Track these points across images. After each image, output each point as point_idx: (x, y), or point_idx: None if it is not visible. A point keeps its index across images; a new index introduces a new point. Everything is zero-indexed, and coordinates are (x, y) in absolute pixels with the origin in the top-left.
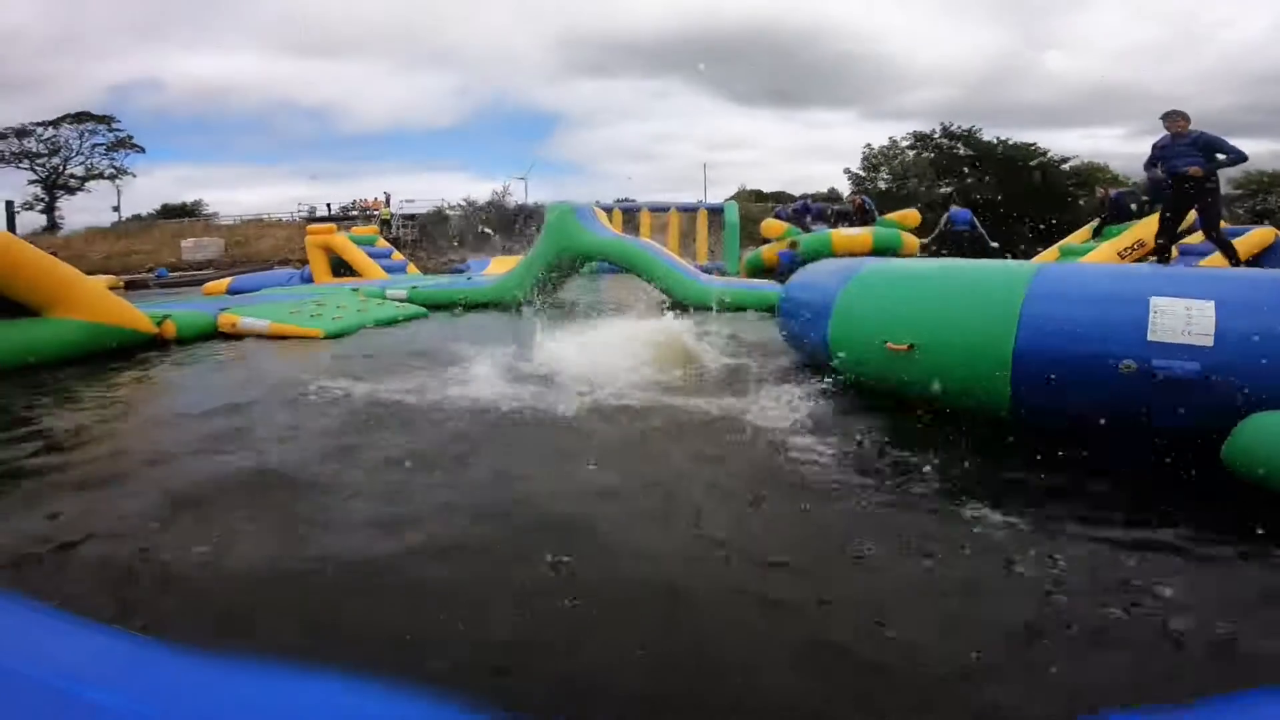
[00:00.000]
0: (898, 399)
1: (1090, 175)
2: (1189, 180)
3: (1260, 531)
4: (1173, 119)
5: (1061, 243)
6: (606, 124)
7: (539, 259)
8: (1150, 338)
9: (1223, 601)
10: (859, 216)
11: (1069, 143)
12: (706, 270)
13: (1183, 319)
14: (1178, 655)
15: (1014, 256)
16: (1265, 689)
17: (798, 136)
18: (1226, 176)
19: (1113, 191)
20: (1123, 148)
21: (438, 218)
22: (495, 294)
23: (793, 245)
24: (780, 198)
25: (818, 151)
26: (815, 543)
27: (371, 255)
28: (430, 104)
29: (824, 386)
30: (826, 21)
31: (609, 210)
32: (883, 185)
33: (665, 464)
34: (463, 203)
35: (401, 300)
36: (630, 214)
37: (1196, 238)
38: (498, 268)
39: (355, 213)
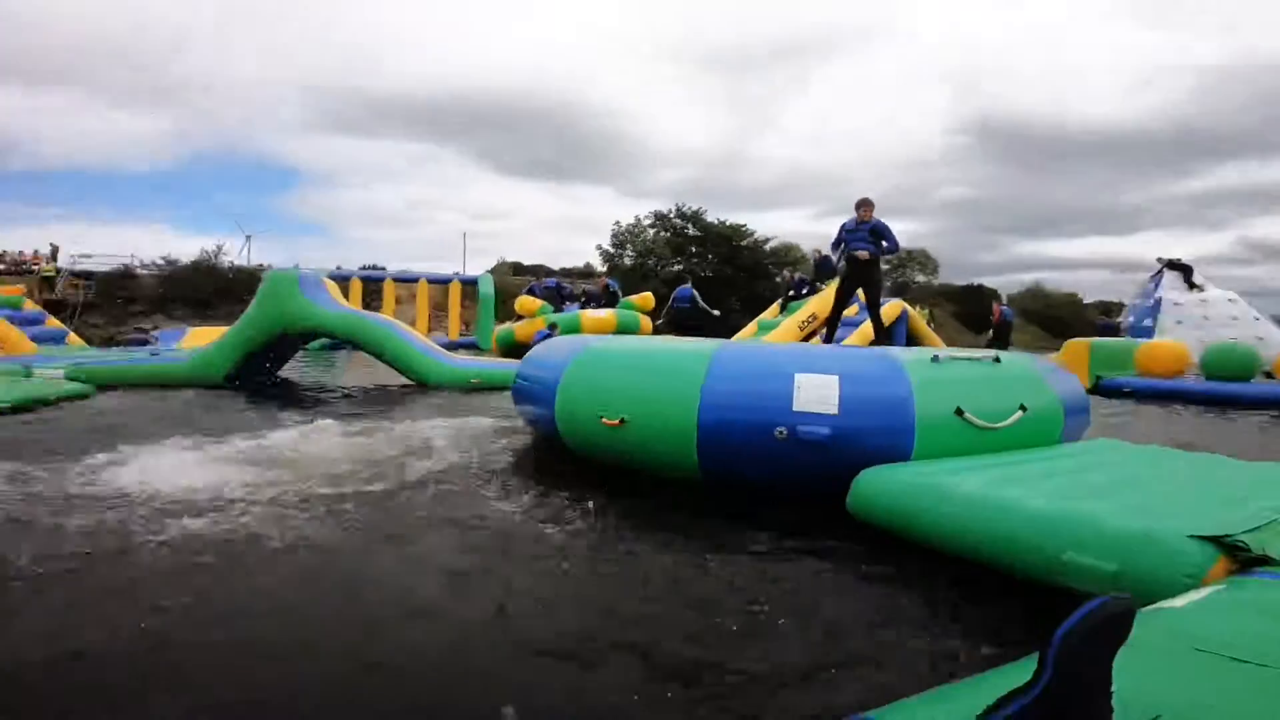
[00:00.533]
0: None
1: (784, 254)
2: (859, 262)
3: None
4: (863, 206)
5: (759, 317)
6: (358, 185)
7: (247, 332)
8: (795, 408)
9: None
10: (604, 298)
11: (773, 222)
12: (456, 347)
13: (817, 391)
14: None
15: (731, 326)
16: (997, 669)
17: (559, 210)
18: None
19: (796, 275)
20: (809, 227)
21: (123, 277)
22: (189, 371)
23: (551, 327)
24: (539, 271)
25: (578, 225)
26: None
27: (15, 321)
28: (135, 144)
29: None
30: (592, 99)
31: (344, 279)
32: (628, 261)
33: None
34: (160, 261)
35: (56, 378)
36: (373, 284)
37: (853, 310)
38: (196, 339)
39: (0, 267)
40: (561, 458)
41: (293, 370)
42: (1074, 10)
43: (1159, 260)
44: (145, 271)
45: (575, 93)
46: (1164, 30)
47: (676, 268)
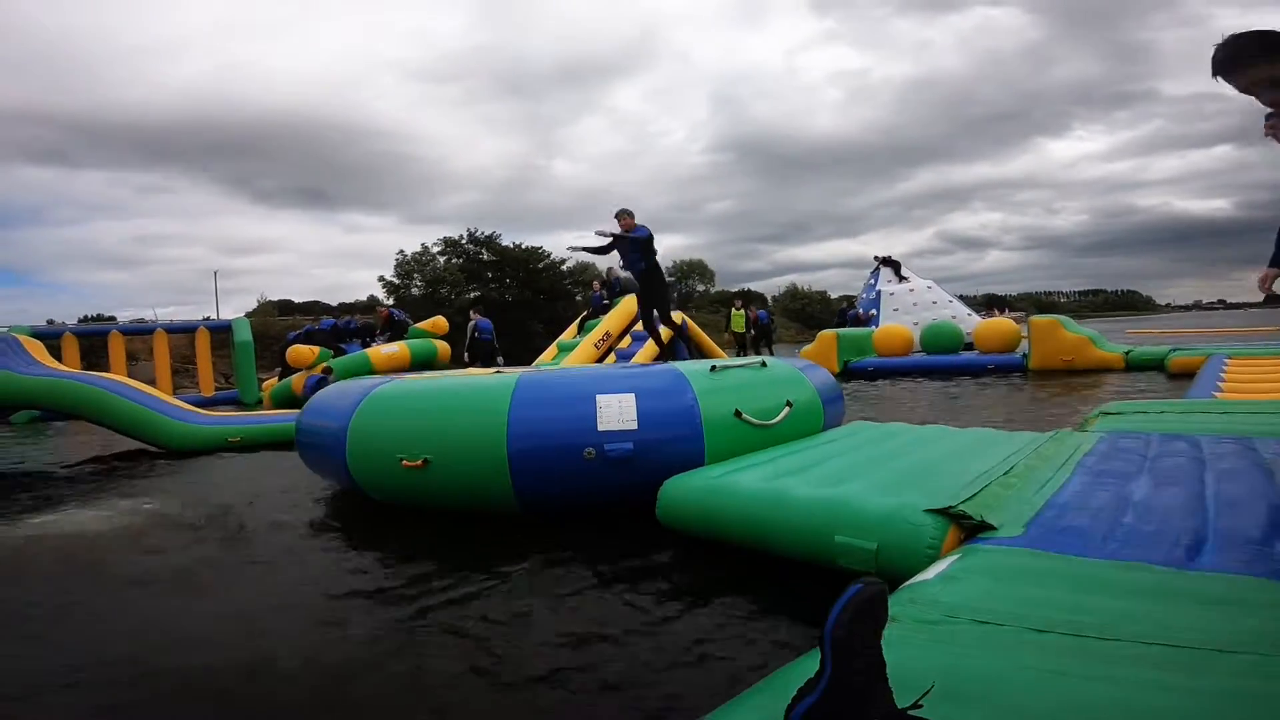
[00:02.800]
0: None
1: (581, 274)
2: (638, 277)
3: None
4: (622, 218)
5: (558, 339)
6: (66, 222)
7: None
8: (600, 427)
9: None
10: (388, 329)
11: (570, 242)
12: (213, 403)
13: (617, 410)
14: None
15: (535, 349)
16: (785, 668)
17: (333, 241)
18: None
19: (594, 292)
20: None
21: None
22: None
23: (326, 371)
24: (314, 309)
25: (355, 257)
26: None
27: None
28: None
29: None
30: (365, 120)
31: (54, 336)
32: (416, 292)
33: None
34: None
35: None
36: (94, 338)
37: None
38: None
39: None
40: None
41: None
42: (802, 33)
43: (875, 258)
44: None
45: (345, 114)
46: (871, 51)
47: (473, 294)
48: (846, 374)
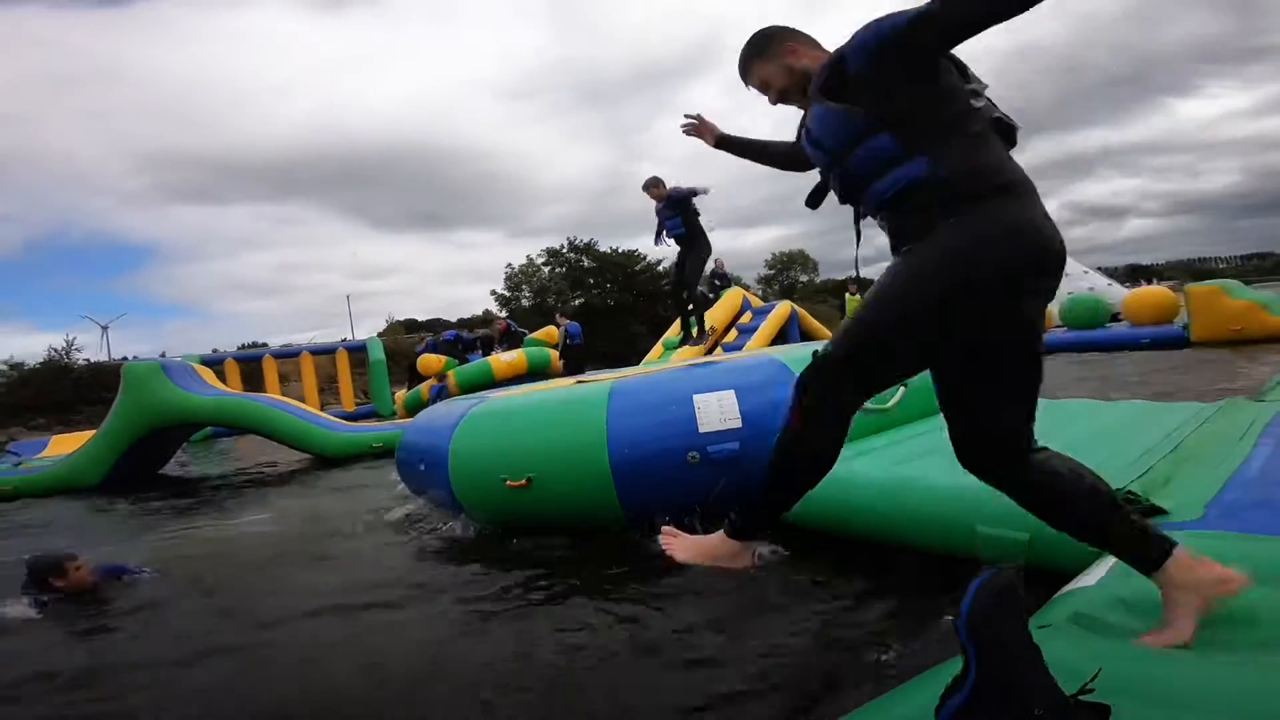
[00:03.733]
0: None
1: None
2: (681, 244)
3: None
4: (652, 187)
5: (663, 337)
6: (219, 255)
7: (115, 432)
8: (701, 429)
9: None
10: (506, 339)
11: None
12: (354, 417)
13: (717, 409)
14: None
15: (636, 352)
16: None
17: (448, 259)
18: (761, 259)
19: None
20: None
21: None
22: (57, 480)
23: (439, 379)
24: (436, 325)
25: (468, 273)
26: None
27: None
28: None
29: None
30: (461, 143)
31: (219, 363)
32: (525, 303)
33: None
34: (3, 366)
35: None
36: (250, 363)
37: (746, 318)
38: (60, 448)
39: None
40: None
41: (177, 467)
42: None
43: None
44: None
45: (443, 138)
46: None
47: (577, 301)
48: None
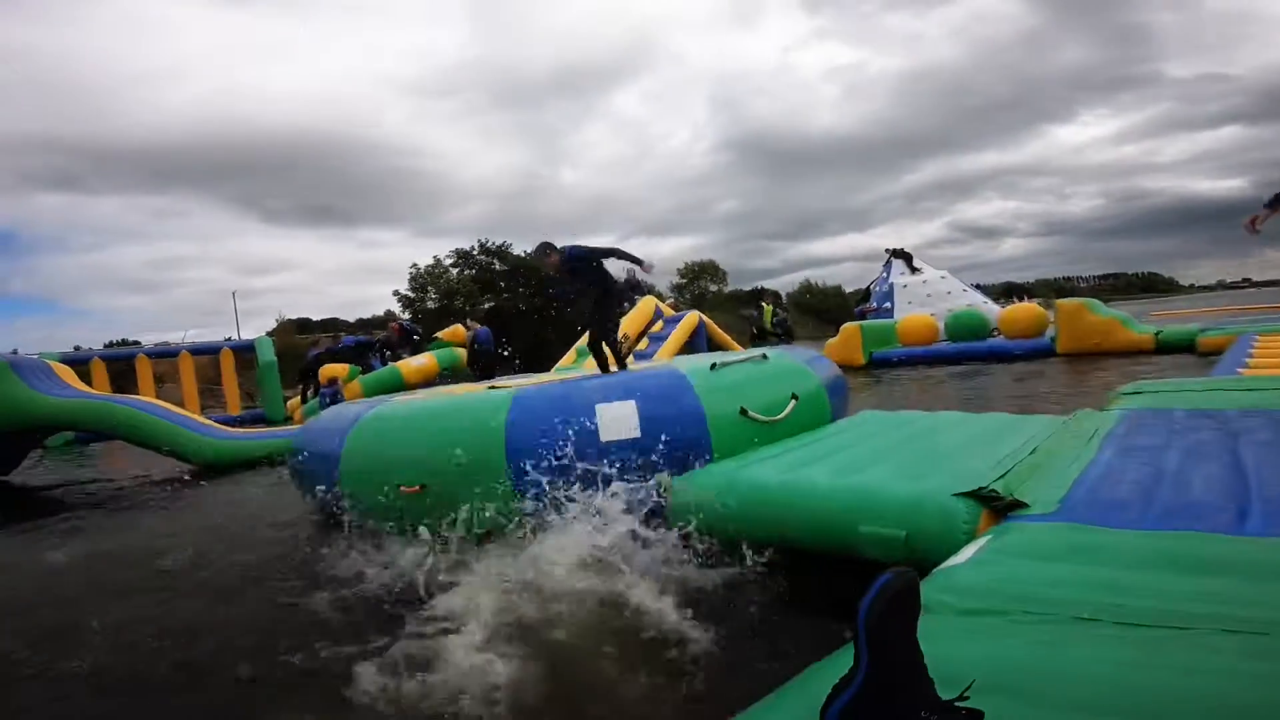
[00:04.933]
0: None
1: None
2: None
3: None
4: (544, 256)
5: (576, 345)
6: (86, 248)
7: None
8: (602, 438)
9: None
10: (402, 340)
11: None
12: (240, 422)
13: (618, 419)
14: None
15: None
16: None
17: (348, 257)
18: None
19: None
20: None
21: None
22: None
23: (331, 382)
24: (332, 326)
25: (371, 272)
26: None
27: None
28: None
29: None
30: (371, 137)
31: (84, 361)
32: (431, 305)
33: None
34: None
35: None
36: (121, 362)
37: (658, 327)
38: None
39: None
40: None
41: (27, 472)
42: (795, 31)
43: (886, 250)
44: None
45: (349, 132)
46: (864, 45)
47: (487, 305)
48: (872, 365)
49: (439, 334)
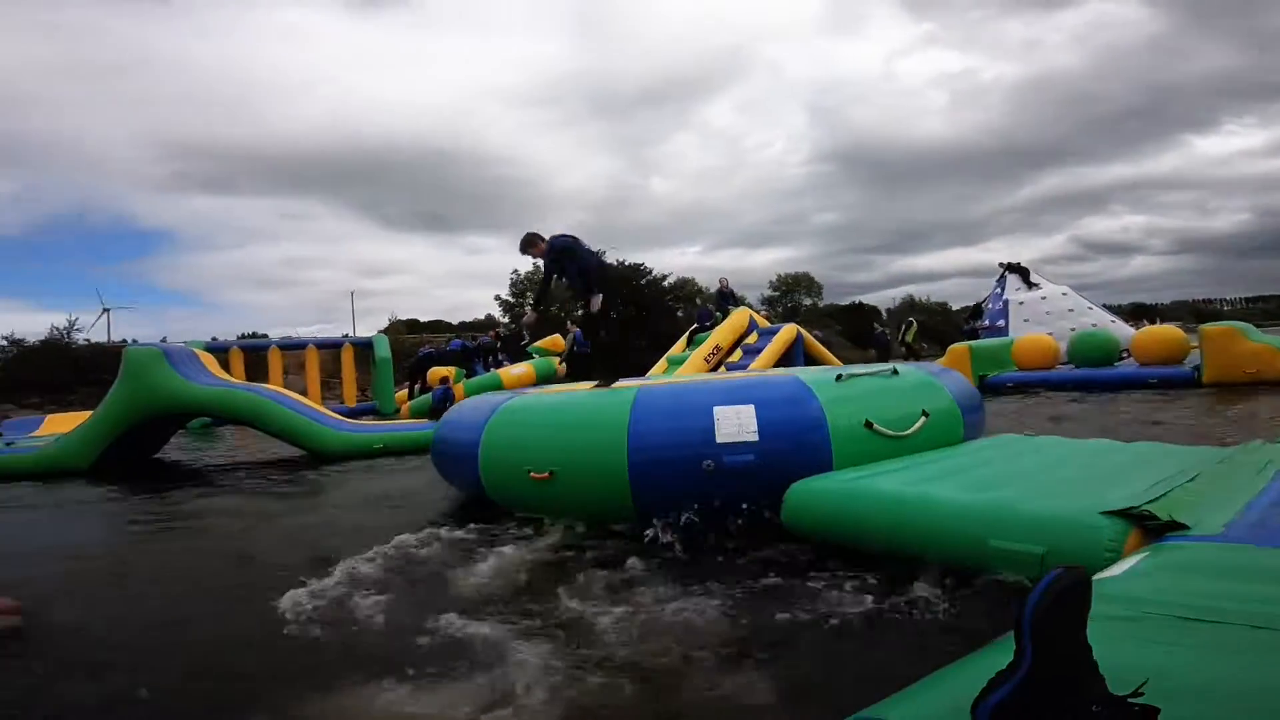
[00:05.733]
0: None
1: (682, 289)
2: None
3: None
4: (530, 246)
5: (668, 353)
6: (228, 246)
7: (112, 416)
8: (718, 440)
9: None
10: (503, 347)
11: (667, 258)
12: (355, 413)
13: (735, 421)
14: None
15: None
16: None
17: (454, 262)
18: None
19: (701, 306)
20: (702, 261)
21: None
22: (47, 461)
23: (443, 381)
24: (437, 327)
25: (473, 277)
26: None
27: None
28: None
29: None
30: (474, 147)
31: (223, 350)
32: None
33: None
34: (3, 342)
35: None
36: (255, 353)
37: (752, 338)
38: (54, 427)
39: None
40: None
41: (175, 450)
42: (900, 38)
43: (1000, 264)
44: None
45: (459, 141)
46: (975, 53)
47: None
48: (982, 389)
49: (538, 343)
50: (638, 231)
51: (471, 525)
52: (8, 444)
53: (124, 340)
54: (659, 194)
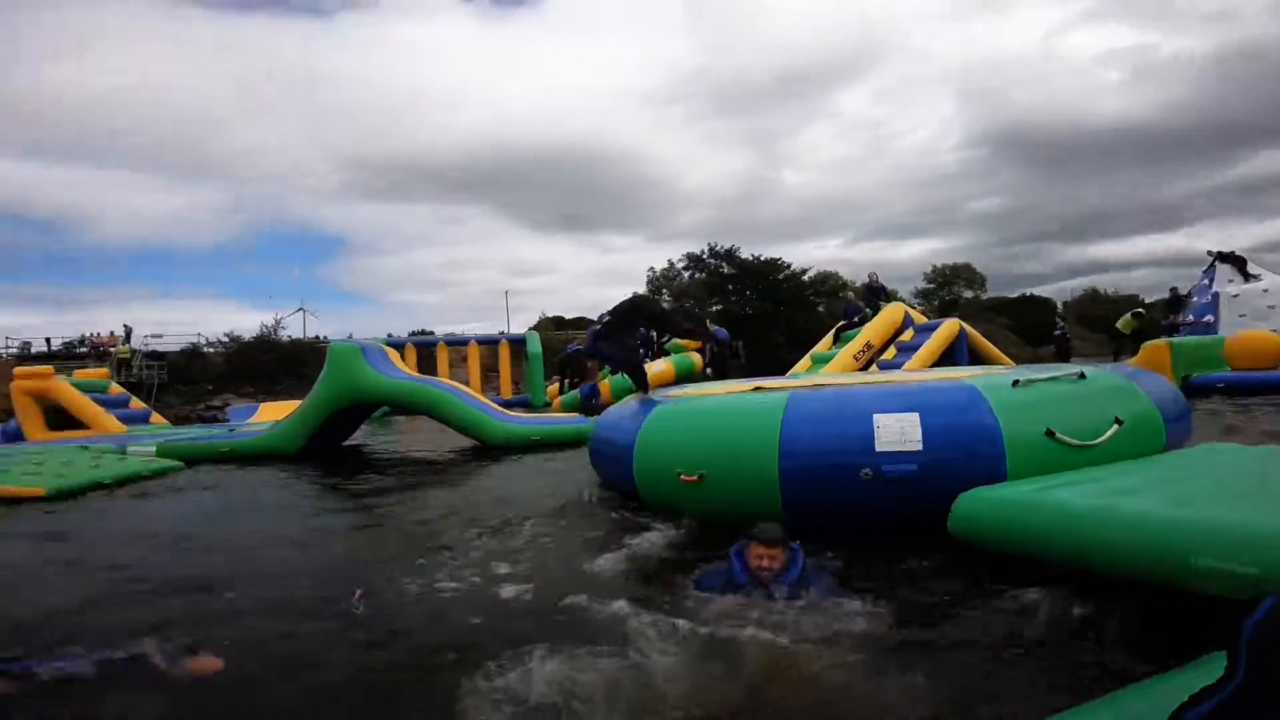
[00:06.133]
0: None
1: (823, 284)
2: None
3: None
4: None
5: (812, 350)
6: (396, 250)
7: (322, 405)
8: (878, 448)
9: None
10: (645, 345)
11: (805, 252)
12: (509, 405)
13: (898, 430)
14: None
15: (781, 362)
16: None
17: (593, 261)
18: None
19: (849, 302)
20: (843, 254)
21: (191, 356)
22: (266, 445)
23: (591, 386)
24: (582, 324)
25: (613, 275)
26: None
27: (102, 404)
28: (191, 221)
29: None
30: (605, 147)
31: (399, 346)
32: (666, 306)
33: None
34: (225, 338)
35: (149, 456)
36: (425, 349)
37: (908, 335)
38: (268, 414)
39: (84, 349)
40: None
41: (357, 438)
42: (1058, 15)
43: (1209, 254)
44: (211, 350)
45: (592, 143)
46: (1150, 27)
47: (716, 307)
48: (1186, 391)
49: (678, 340)
50: (771, 226)
51: (614, 515)
52: (231, 429)
53: (318, 336)
54: (792, 187)
